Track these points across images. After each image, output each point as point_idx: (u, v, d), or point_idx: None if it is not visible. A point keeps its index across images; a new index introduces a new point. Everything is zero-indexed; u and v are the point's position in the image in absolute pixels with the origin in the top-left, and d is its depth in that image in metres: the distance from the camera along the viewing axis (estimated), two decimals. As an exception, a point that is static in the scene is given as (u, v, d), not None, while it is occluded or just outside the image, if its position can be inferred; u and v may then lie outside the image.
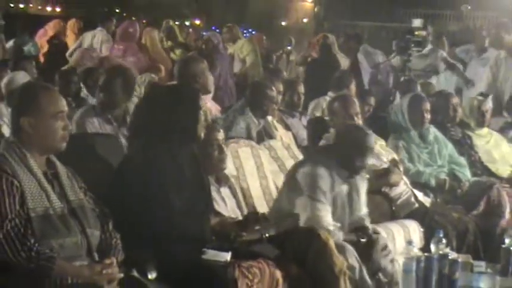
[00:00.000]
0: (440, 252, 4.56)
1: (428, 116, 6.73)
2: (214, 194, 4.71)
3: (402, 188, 6.13)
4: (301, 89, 7.44)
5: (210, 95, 7.06)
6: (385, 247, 5.11)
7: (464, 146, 7.20)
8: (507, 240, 4.87)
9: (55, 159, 3.84)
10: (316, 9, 24.50)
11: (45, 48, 10.80)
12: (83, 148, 4.57)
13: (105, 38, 10.53)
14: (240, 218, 4.78)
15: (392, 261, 5.14)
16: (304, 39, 16.13)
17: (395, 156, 6.35)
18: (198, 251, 4.17)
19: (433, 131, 6.83)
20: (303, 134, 7.22)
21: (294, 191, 5.10)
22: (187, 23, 21.28)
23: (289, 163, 5.89)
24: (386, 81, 10.48)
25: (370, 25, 21.24)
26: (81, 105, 6.65)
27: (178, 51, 11.33)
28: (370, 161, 6.01)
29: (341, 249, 4.75)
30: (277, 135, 6.71)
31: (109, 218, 3.95)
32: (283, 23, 20.92)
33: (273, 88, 6.63)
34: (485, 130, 7.47)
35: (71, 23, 11.24)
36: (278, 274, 4.37)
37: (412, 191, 6.18)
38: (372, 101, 7.78)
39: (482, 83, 9.60)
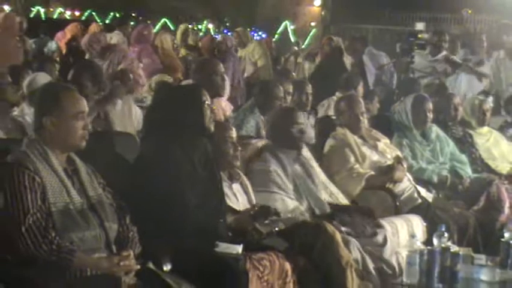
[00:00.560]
0: (443, 245, 4.54)
1: (430, 115, 6.80)
2: (226, 189, 4.74)
3: (406, 184, 6.19)
4: (309, 89, 7.38)
5: (226, 96, 7.14)
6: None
7: (465, 144, 7.24)
8: (506, 234, 4.90)
9: (75, 157, 3.90)
10: (323, 13, 24.55)
11: (64, 50, 10.93)
12: (102, 146, 4.63)
13: (121, 40, 10.66)
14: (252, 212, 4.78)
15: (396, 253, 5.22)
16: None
17: (399, 154, 6.41)
18: (211, 244, 4.21)
19: (435, 130, 6.90)
20: (311, 132, 7.18)
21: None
22: (200, 27, 21.39)
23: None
24: (390, 82, 10.54)
25: (374, 28, 21.31)
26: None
27: (192, 54, 11.45)
28: (375, 157, 6.20)
29: (344, 242, 4.80)
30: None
31: (126, 212, 4.01)
32: (291, 27, 20.97)
33: (280, 87, 6.62)
34: (485, 129, 7.51)
35: (92, 27, 11.37)
36: (287, 266, 4.45)
37: (415, 187, 6.24)
38: (377, 101, 7.87)
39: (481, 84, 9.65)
